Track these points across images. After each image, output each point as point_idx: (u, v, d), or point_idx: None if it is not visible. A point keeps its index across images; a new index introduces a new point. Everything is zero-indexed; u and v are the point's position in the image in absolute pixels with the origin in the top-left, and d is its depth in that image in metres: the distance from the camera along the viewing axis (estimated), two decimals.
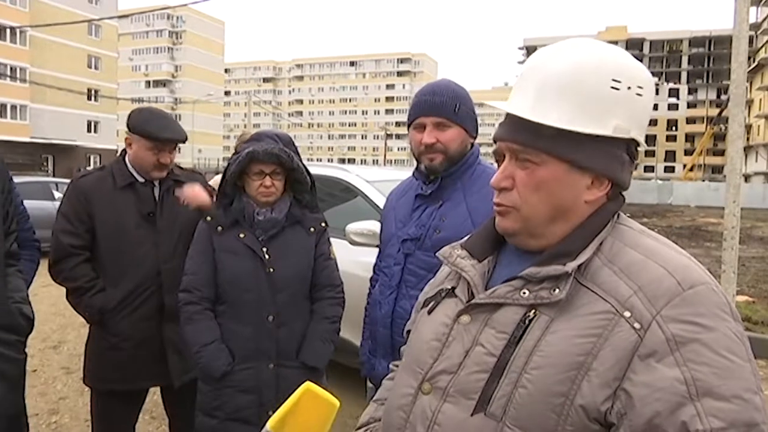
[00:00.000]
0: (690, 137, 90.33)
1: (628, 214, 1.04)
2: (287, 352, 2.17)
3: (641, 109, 0.95)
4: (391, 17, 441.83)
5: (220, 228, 2.17)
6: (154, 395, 2.72)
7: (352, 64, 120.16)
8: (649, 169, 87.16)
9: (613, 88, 0.92)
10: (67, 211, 2.46)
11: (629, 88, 0.93)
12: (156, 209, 2.49)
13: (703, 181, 54.46)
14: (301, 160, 2.26)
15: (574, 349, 0.85)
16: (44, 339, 5.56)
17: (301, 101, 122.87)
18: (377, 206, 4.03)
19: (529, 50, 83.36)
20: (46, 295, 6.26)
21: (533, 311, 0.91)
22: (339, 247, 3.72)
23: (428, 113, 1.91)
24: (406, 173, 4.93)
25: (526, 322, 0.91)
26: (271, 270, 2.15)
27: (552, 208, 0.95)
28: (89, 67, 48.04)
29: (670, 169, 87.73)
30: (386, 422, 1.06)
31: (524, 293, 0.93)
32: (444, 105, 1.89)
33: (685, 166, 66.37)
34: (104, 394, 2.50)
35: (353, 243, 3.68)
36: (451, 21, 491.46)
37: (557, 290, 0.90)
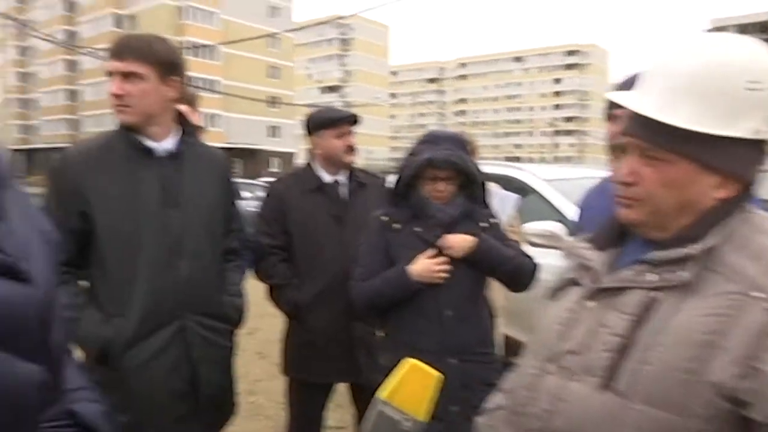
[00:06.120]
0: None
1: None
2: (469, 347, 2.14)
3: None
4: (557, 8, 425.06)
5: (397, 225, 2.21)
6: (340, 384, 2.89)
7: (517, 59, 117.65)
8: None
9: (749, 89, 0.90)
10: (265, 214, 2.68)
11: None
12: (343, 210, 2.62)
13: None
14: (474, 161, 2.24)
15: (702, 327, 0.86)
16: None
17: (465, 100, 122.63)
18: (555, 206, 3.90)
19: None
20: None
21: (659, 293, 0.92)
22: None
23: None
24: (589, 171, 4.73)
25: (652, 303, 0.92)
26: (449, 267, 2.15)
27: (679, 203, 0.96)
28: (269, 77, 52.31)
29: None
30: (512, 401, 1.10)
31: (649, 276, 0.95)
32: None
33: None
34: (300, 383, 2.69)
35: (531, 244, 3.59)
36: (624, 5, 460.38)
37: (683, 273, 0.91)
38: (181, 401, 1.93)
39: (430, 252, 2.13)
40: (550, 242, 3.48)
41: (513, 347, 3.10)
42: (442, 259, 2.12)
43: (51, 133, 56.53)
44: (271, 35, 42.15)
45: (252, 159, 47.74)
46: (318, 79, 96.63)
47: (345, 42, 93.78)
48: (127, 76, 1.85)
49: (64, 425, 1.09)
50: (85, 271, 1.91)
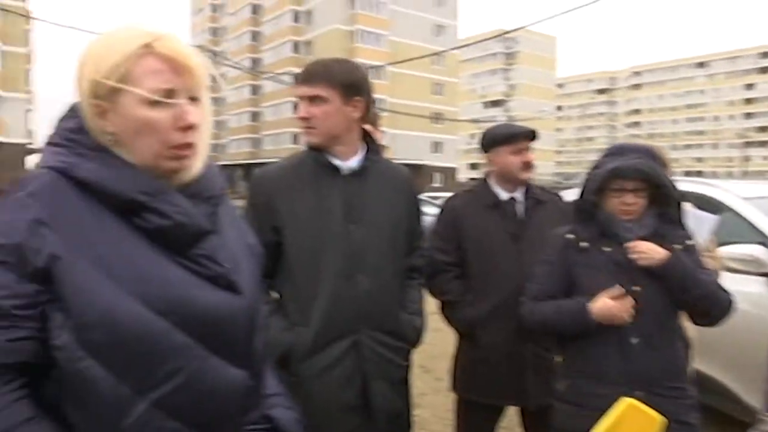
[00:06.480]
0: None
1: None
2: (658, 380, 1.95)
3: None
4: (747, 7, 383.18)
5: (584, 244, 2.07)
6: (510, 407, 2.80)
7: (699, 65, 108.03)
8: None
9: None
10: (440, 230, 2.68)
11: None
12: (520, 228, 2.55)
13: None
14: (667, 175, 2.05)
15: None
16: None
17: (638, 111, 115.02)
18: (758, 228, 3.47)
19: None
20: None
21: None
22: None
23: None
24: None
25: None
26: (637, 288, 1.97)
27: None
28: (433, 93, 53.25)
29: None
30: None
31: None
32: None
33: None
34: (469, 402, 2.65)
35: (729, 270, 3.22)
36: None
37: None
38: (354, 414, 1.96)
39: (616, 291, 1.96)
40: (751, 268, 3.10)
41: (706, 385, 2.80)
42: (627, 300, 1.95)
43: (236, 151, 62.39)
44: (437, 54, 42.89)
45: (415, 174, 48.34)
46: (481, 94, 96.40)
47: (509, 56, 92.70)
48: (312, 99, 1.95)
49: (263, 429, 1.15)
50: (274, 281, 2.03)
